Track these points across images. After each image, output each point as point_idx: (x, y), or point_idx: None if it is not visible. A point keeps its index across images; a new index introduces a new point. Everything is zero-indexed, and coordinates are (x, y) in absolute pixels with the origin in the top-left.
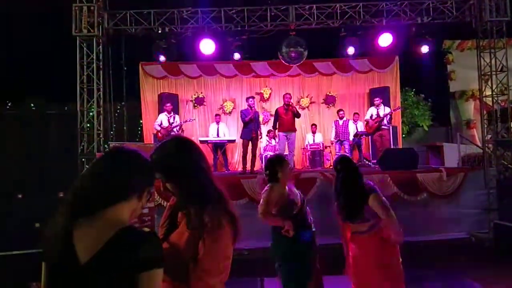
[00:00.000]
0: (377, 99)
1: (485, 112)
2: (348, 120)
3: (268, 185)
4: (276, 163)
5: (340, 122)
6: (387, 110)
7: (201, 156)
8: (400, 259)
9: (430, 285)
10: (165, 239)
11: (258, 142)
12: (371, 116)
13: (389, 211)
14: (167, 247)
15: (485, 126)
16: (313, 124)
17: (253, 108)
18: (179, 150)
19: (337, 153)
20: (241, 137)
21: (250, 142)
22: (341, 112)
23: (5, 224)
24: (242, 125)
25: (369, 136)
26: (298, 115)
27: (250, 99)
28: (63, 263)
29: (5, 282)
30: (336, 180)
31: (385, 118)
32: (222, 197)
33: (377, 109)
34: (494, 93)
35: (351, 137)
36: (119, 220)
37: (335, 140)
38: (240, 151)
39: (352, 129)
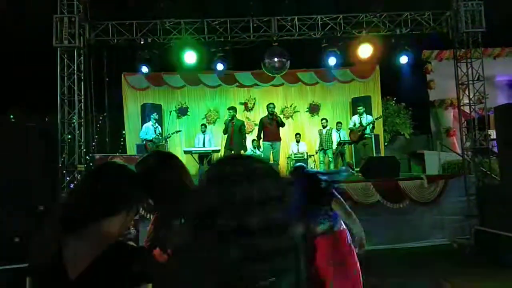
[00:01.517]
0: (360, 107)
1: (463, 120)
2: (331, 129)
3: None
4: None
5: (324, 131)
6: (370, 118)
7: (184, 171)
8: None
9: None
10: (149, 253)
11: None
12: (354, 125)
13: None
14: (153, 261)
15: (464, 133)
16: (297, 133)
17: (233, 120)
18: (160, 166)
19: (321, 162)
20: (224, 148)
21: (231, 152)
22: (324, 121)
23: None
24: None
25: (352, 145)
26: (282, 125)
27: (230, 110)
28: (51, 278)
29: None
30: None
31: (367, 127)
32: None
33: (360, 118)
34: (471, 101)
35: (334, 146)
36: (108, 234)
37: (319, 149)
38: None
39: (335, 138)
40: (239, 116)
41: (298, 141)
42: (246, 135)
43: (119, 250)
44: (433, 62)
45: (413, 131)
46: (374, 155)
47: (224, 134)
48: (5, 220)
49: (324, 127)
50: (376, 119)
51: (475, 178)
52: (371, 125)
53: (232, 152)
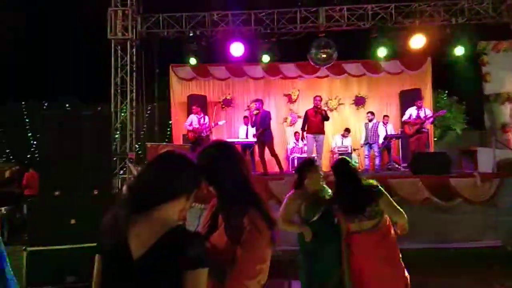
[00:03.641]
0: (420, 101)
1: None
2: (378, 122)
3: (292, 191)
4: (304, 168)
5: (370, 124)
6: (428, 112)
7: (242, 159)
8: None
9: None
10: (206, 240)
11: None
12: (409, 117)
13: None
14: (208, 248)
15: None
16: (346, 128)
17: (251, 112)
18: (221, 154)
19: (366, 156)
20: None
21: (261, 145)
22: (369, 114)
23: (43, 220)
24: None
25: (399, 139)
26: (327, 118)
27: (253, 103)
28: (117, 256)
29: (45, 276)
30: (336, 182)
31: (426, 120)
32: (261, 201)
33: (418, 111)
34: None
35: (380, 140)
36: (169, 218)
37: (364, 143)
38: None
39: (382, 132)
40: (283, 108)
41: (345, 136)
42: (289, 127)
43: (179, 234)
44: (489, 53)
45: (465, 126)
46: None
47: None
48: (63, 203)
49: (370, 120)
50: (437, 114)
51: None
52: (431, 119)
53: (264, 144)
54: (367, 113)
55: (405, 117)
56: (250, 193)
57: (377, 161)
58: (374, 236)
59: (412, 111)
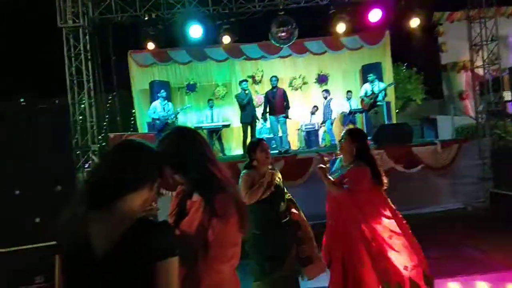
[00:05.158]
0: (370, 74)
1: (477, 82)
2: (331, 99)
3: (244, 171)
4: (250, 149)
5: (324, 102)
6: (382, 85)
7: (205, 143)
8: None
9: (429, 255)
10: (175, 227)
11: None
12: (365, 93)
13: None
14: (178, 235)
15: (478, 96)
16: (314, 106)
17: (247, 91)
18: (184, 141)
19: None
20: (241, 121)
21: (249, 126)
22: (324, 92)
23: (5, 221)
24: (240, 110)
25: (363, 113)
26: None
27: (243, 82)
28: (79, 255)
29: (9, 278)
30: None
31: (380, 94)
32: (229, 185)
33: (372, 86)
34: (485, 63)
35: (333, 116)
36: (131, 210)
37: (323, 120)
38: (234, 136)
39: (334, 108)
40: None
41: (313, 113)
42: (256, 108)
43: (144, 226)
44: (444, 24)
45: (425, 96)
46: (386, 122)
47: (241, 106)
48: (25, 202)
49: (325, 98)
50: (389, 85)
51: (490, 141)
52: (383, 92)
53: (249, 126)
54: (322, 91)
55: (361, 94)
56: (216, 177)
57: (329, 137)
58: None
59: (367, 87)
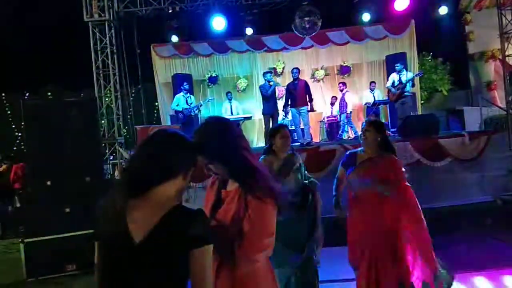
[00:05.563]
0: (398, 64)
1: (507, 72)
2: (346, 92)
3: (262, 156)
4: (271, 134)
5: (340, 95)
6: (410, 75)
7: (240, 134)
8: None
9: (456, 249)
10: (211, 216)
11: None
12: (393, 83)
13: None
14: (214, 225)
15: (509, 86)
16: (333, 96)
17: (271, 82)
18: (220, 131)
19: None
20: (263, 113)
21: (271, 118)
22: (340, 85)
23: (38, 211)
24: (262, 101)
25: (387, 105)
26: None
27: (268, 74)
28: (117, 242)
29: (44, 266)
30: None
31: (407, 84)
32: (264, 174)
33: (399, 75)
34: None
35: (349, 110)
36: (167, 199)
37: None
38: (257, 128)
39: (349, 101)
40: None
41: (332, 104)
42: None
43: (179, 213)
44: (472, 12)
45: (451, 87)
46: (411, 114)
47: (265, 98)
48: (56, 193)
49: (341, 91)
50: (416, 75)
51: None
52: (410, 82)
53: (271, 117)
54: (339, 83)
55: (388, 84)
56: (252, 166)
57: (340, 131)
58: None
59: (394, 77)
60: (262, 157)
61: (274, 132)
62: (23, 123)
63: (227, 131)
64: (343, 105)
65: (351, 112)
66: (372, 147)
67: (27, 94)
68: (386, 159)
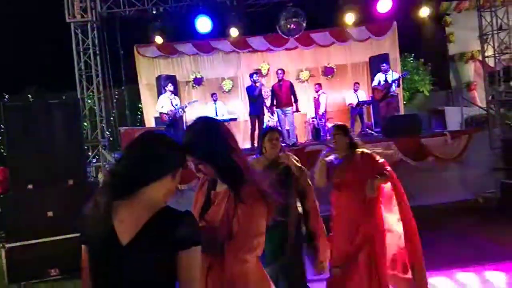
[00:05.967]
0: (384, 64)
1: (487, 72)
2: (321, 93)
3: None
4: (261, 136)
5: (316, 96)
6: (396, 75)
7: (230, 135)
8: None
9: (439, 246)
10: (200, 217)
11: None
12: (379, 83)
13: None
14: (203, 225)
15: (488, 86)
16: (314, 97)
17: (257, 83)
18: (208, 131)
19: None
20: (249, 114)
21: (257, 119)
22: (316, 86)
23: (19, 216)
24: (249, 102)
25: (371, 105)
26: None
27: (254, 75)
28: (104, 245)
29: (27, 271)
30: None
31: (393, 83)
32: (254, 174)
33: (385, 75)
34: (495, 52)
35: (321, 111)
36: (155, 200)
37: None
38: (243, 129)
39: (322, 102)
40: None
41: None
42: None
43: (167, 215)
44: (452, 14)
45: (432, 87)
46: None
47: (252, 99)
48: (38, 197)
49: (316, 91)
50: (402, 75)
51: (500, 131)
52: (396, 82)
53: (257, 118)
54: (314, 85)
55: (374, 83)
56: (241, 167)
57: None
58: None
59: (380, 77)
60: (253, 157)
61: (263, 133)
62: (2, 126)
63: (216, 131)
64: (316, 106)
65: (323, 113)
66: (342, 149)
67: (6, 96)
68: (364, 155)
